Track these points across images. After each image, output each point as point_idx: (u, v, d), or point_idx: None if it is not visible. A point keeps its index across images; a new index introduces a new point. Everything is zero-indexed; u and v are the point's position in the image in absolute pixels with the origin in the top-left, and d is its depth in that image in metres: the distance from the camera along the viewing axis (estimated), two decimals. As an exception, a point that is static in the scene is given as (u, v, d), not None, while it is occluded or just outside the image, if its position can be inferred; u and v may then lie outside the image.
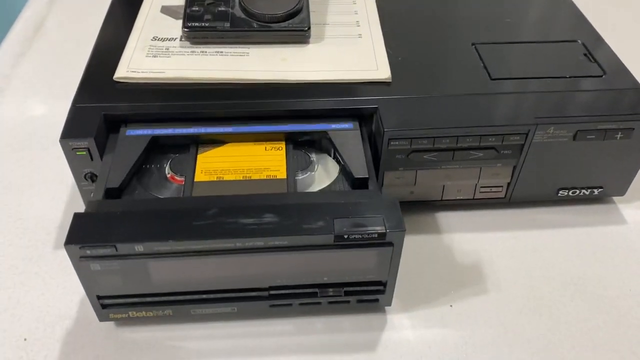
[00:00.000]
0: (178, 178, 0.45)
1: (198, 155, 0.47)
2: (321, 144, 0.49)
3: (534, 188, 0.53)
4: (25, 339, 0.45)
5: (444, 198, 0.53)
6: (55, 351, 0.44)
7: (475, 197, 0.53)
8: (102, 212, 0.40)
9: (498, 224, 0.54)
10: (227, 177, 0.45)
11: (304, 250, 0.39)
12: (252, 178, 0.45)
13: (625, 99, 0.50)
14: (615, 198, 0.56)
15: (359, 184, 0.44)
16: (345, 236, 0.38)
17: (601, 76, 0.52)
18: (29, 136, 0.61)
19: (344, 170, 0.46)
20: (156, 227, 0.38)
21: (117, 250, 0.38)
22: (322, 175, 0.47)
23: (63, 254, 0.50)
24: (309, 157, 0.48)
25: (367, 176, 0.44)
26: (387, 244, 0.39)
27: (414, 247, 0.51)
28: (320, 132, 0.48)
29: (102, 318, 0.43)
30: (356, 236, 0.38)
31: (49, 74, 0.69)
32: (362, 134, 0.48)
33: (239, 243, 0.38)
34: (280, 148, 0.47)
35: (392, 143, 0.48)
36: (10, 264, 0.49)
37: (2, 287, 0.48)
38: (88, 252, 0.38)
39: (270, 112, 0.49)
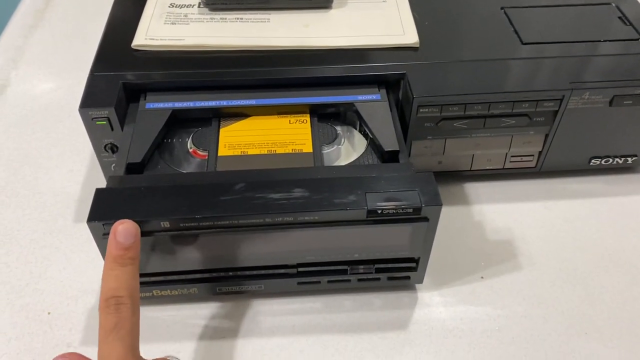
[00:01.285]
0: (201, 152, 0.44)
1: (220, 129, 0.45)
2: (346, 116, 0.47)
3: (566, 157, 0.51)
4: (49, 313, 0.44)
5: (473, 168, 0.51)
6: (80, 325, 0.43)
7: (505, 167, 0.51)
8: (125, 187, 0.39)
9: (528, 194, 0.52)
10: (251, 151, 0.43)
11: (335, 226, 0.38)
12: (277, 152, 0.43)
13: (664, 63, 0.48)
14: (648, 166, 0.54)
15: (389, 157, 0.43)
16: (379, 211, 0.37)
17: (637, 39, 0.50)
18: (44, 108, 0.60)
19: (373, 143, 0.44)
20: (181, 202, 0.37)
21: (141, 227, 0.36)
22: (349, 148, 0.45)
23: (83, 227, 0.49)
24: (335, 130, 0.46)
25: (397, 149, 0.42)
26: (422, 219, 0.38)
27: (442, 218, 0.49)
28: (346, 104, 0.46)
29: None
30: (390, 211, 0.37)
31: (62, 45, 0.67)
32: (390, 105, 0.46)
33: (267, 219, 0.37)
34: (304, 121, 0.46)
35: (421, 110, 0.46)
36: (31, 238, 0.49)
37: (24, 262, 0.47)
38: None
39: (292, 79, 0.47)
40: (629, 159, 0.52)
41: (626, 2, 0.54)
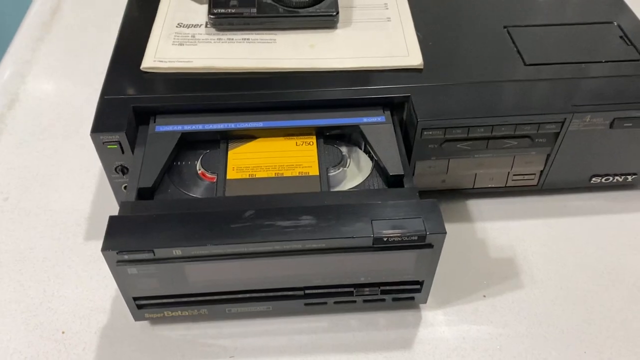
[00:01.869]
0: (209, 175, 0.45)
1: (229, 152, 0.46)
2: (351, 138, 0.48)
3: (567, 175, 0.52)
4: (63, 332, 0.45)
5: (475, 186, 0.52)
6: (93, 344, 0.44)
7: (507, 185, 0.52)
8: (138, 215, 0.40)
9: (530, 211, 0.53)
10: (259, 175, 0.44)
11: (342, 253, 0.39)
12: (284, 175, 0.44)
13: (664, 84, 0.49)
14: (648, 184, 0.55)
15: (394, 181, 0.44)
16: (385, 239, 0.38)
17: (638, 60, 0.51)
18: (53, 124, 0.61)
19: (377, 166, 0.45)
20: (193, 230, 0.38)
21: (154, 255, 0.38)
22: (355, 171, 0.46)
23: (94, 245, 0.50)
24: (341, 152, 0.47)
25: (402, 173, 0.43)
26: (426, 245, 0.39)
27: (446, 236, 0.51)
28: (351, 126, 0.47)
29: (137, 318, 0.43)
30: (395, 238, 0.38)
31: (70, 58, 0.68)
32: (394, 127, 0.47)
33: (276, 246, 0.38)
34: (311, 143, 0.47)
35: (425, 133, 0.47)
36: (44, 257, 0.50)
37: (38, 281, 0.48)
38: (126, 257, 0.38)
39: (299, 102, 0.48)
40: (629, 177, 0.53)
41: (627, 21, 0.55)
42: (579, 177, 0.52)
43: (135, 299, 0.41)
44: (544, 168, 0.51)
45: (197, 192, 0.44)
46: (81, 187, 0.55)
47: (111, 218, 0.39)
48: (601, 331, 0.45)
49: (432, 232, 0.38)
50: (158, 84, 0.49)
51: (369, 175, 0.45)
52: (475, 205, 0.53)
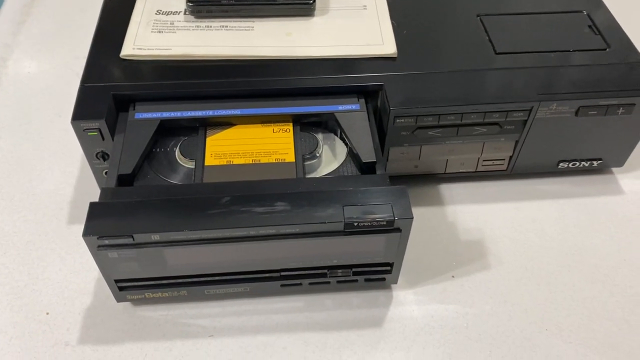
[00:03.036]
0: (188, 161, 0.46)
1: (207, 139, 0.47)
2: (327, 125, 0.49)
3: (535, 160, 0.54)
4: (47, 313, 0.47)
5: (447, 171, 0.54)
6: (77, 324, 0.46)
7: (477, 170, 0.54)
8: (118, 201, 0.41)
9: (499, 195, 0.55)
10: (236, 161, 0.46)
11: (315, 237, 0.40)
12: (261, 162, 0.46)
13: (628, 73, 0.51)
14: (613, 168, 0.57)
15: (367, 168, 0.45)
16: (355, 224, 0.40)
17: (605, 49, 0.53)
18: (34, 108, 0.62)
19: (351, 153, 0.47)
20: (171, 216, 0.39)
21: (134, 240, 0.39)
22: (330, 157, 0.48)
23: (77, 229, 0.52)
24: (316, 139, 0.48)
25: (374, 160, 0.45)
26: (395, 229, 0.41)
27: (417, 219, 0.53)
28: (327, 113, 0.48)
29: (119, 299, 0.45)
30: (365, 223, 0.40)
31: (51, 41, 0.69)
32: (368, 115, 0.48)
33: (252, 231, 0.40)
34: (287, 130, 0.48)
35: (397, 121, 0.48)
36: (27, 240, 0.51)
37: (22, 263, 0.50)
38: (106, 242, 0.39)
39: (275, 90, 0.49)
40: (595, 162, 0.55)
41: (596, 10, 0.56)
42: (546, 162, 0.54)
43: (116, 281, 0.43)
44: (513, 154, 0.53)
45: (176, 178, 0.46)
46: (63, 171, 0.56)
47: (92, 205, 0.40)
48: (562, 309, 0.48)
49: (400, 217, 0.40)
50: (137, 72, 0.50)
51: (343, 162, 0.47)
52: (447, 189, 0.55)
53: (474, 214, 0.54)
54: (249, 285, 0.45)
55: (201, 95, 0.49)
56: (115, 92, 0.48)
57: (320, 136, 0.49)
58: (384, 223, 0.40)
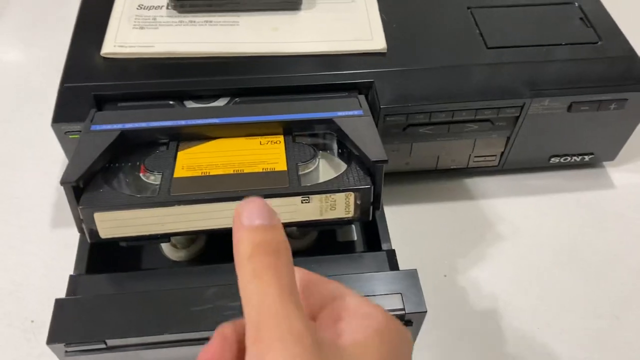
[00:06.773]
0: (153, 175, 0.40)
1: (179, 152, 0.41)
2: (325, 136, 0.44)
3: (527, 156, 0.53)
4: (32, 321, 0.46)
5: (438, 168, 0.53)
6: (63, 332, 0.45)
7: (469, 166, 0.54)
8: (86, 297, 0.37)
9: (491, 190, 0.55)
10: (214, 172, 0.39)
11: None
12: (244, 172, 0.39)
13: (620, 67, 0.50)
14: (604, 162, 0.57)
15: (375, 171, 0.39)
16: None
17: (596, 43, 0.52)
18: (14, 105, 0.60)
19: (357, 159, 0.41)
20: (149, 315, 0.34)
21: (106, 345, 0.34)
22: (328, 166, 0.42)
23: (60, 233, 0.51)
24: (312, 148, 0.42)
25: (386, 159, 0.39)
26: (406, 323, 0.36)
27: (408, 216, 0.52)
28: (325, 120, 0.42)
29: None
30: None
31: (28, 36, 0.67)
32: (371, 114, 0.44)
33: None
34: (278, 142, 0.42)
35: (388, 119, 0.47)
36: (10, 245, 0.50)
37: (5, 269, 0.48)
38: (75, 348, 0.35)
39: (263, 87, 0.48)
40: (586, 156, 0.54)
41: (588, 1, 0.55)
42: (538, 157, 0.54)
43: None
44: (505, 150, 0.52)
45: (136, 194, 0.39)
46: (45, 173, 0.54)
47: (57, 302, 0.36)
48: (554, 307, 0.47)
49: (411, 310, 0.35)
50: (119, 70, 0.48)
51: (344, 171, 0.40)
52: (438, 185, 0.55)
53: (465, 210, 0.53)
54: None
55: (185, 95, 0.47)
56: (96, 93, 0.47)
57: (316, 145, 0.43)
58: None
